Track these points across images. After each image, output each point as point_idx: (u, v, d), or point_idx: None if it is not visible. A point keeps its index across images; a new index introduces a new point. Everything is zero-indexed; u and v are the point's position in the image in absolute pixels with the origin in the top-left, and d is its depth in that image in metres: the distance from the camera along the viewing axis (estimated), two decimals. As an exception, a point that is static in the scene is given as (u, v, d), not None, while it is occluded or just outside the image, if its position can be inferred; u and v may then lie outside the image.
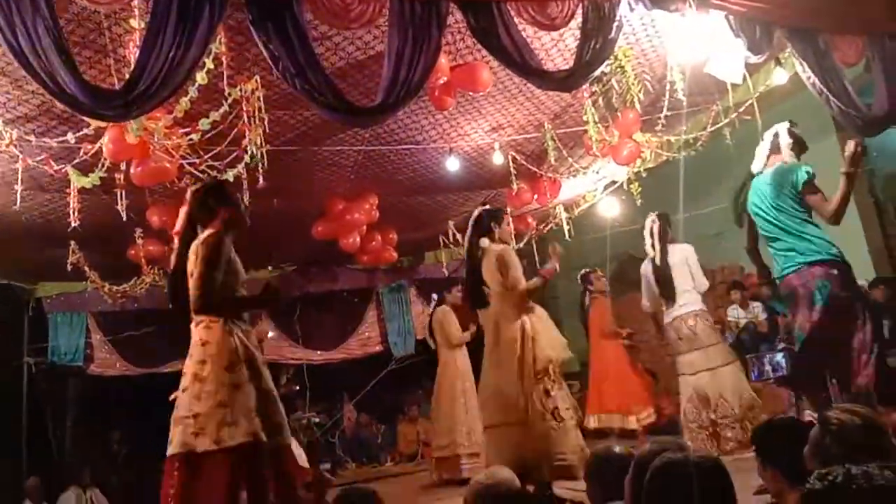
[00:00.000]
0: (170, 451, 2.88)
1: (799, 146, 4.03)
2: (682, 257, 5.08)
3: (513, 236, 4.64)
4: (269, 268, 8.66)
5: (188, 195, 3.31)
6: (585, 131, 5.44)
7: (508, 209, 7.30)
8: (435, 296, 6.47)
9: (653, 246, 5.19)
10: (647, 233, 5.23)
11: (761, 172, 4.11)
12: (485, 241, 4.34)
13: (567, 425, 3.90)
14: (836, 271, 3.72)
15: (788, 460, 2.02)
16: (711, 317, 5.26)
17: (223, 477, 2.79)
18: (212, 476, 2.79)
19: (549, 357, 4.00)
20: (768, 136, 4.12)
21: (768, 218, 3.97)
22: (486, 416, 4.21)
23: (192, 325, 3.07)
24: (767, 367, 6.04)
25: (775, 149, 4.08)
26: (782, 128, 4.12)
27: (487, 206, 4.72)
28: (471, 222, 4.47)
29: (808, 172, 3.85)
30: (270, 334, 9.05)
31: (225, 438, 2.83)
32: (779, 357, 6.03)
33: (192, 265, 3.07)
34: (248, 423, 2.85)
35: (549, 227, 7.87)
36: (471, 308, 4.53)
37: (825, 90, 4.56)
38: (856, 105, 4.65)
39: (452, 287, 6.48)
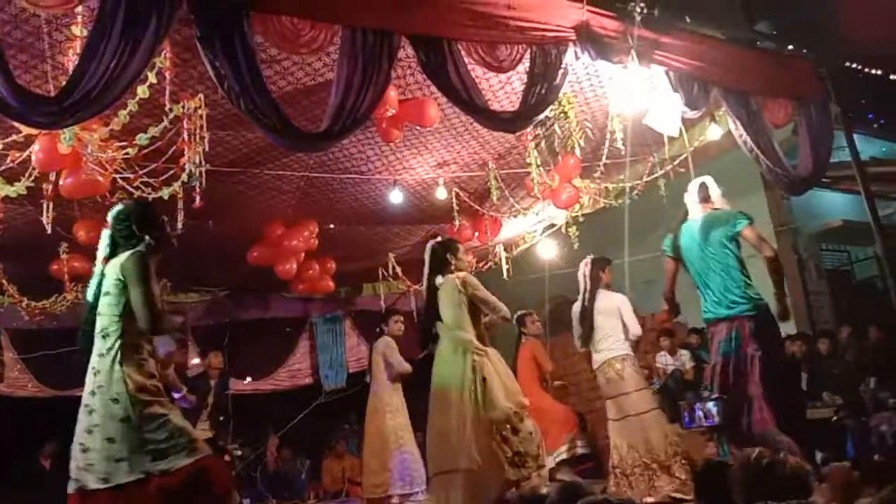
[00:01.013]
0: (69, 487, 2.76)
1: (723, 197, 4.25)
2: (614, 305, 5.16)
3: (472, 265, 4.58)
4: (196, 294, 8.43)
5: (109, 217, 3.18)
6: (528, 173, 5.56)
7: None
8: (380, 327, 6.30)
9: (585, 288, 5.29)
10: (580, 274, 5.34)
11: (687, 219, 4.28)
12: (440, 278, 4.26)
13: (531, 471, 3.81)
14: (752, 323, 3.87)
15: (723, 500, 2.11)
16: (640, 362, 5.37)
17: None
18: None
19: (504, 409, 3.87)
20: (693, 188, 4.31)
21: (697, 261, 4.12)
22: (433, 462, 4.05)
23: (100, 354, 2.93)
24: (699, 415, 6.19)
25: (704, 198, 4.26)
26: (709, 179, 4.32)
27: (439, 238, 4.67)
28: (426, 257, 4.39)
29: (747, 217, 4.06)
30: (195, 361, 8.75)
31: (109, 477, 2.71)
32: (710, 405, 6.18)
33: (113, 287, 2.94)
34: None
35: (488, 265, 7.94)
36: (422, 345, 4.42)
37: (756, 148, 4.82)
38: (783, 165, 4.92)
39: (392, 316, 6.33)
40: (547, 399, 6.42)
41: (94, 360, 2.90)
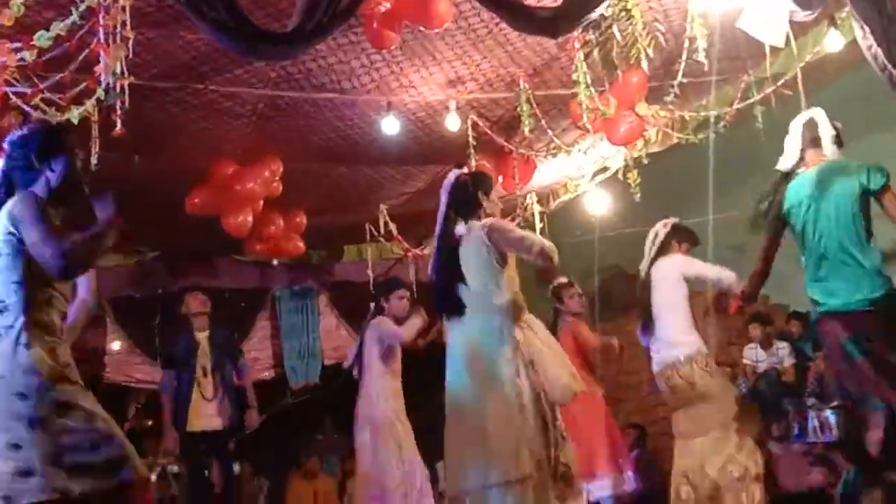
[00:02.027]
0: None
1: (839, 140, 4.21)
2: (672, 276, 5.16)
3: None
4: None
5: (5, 142, 3.20)
6: (574, 95, 5.52)
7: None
8: (376, 304, 6.25)
9: (647, 253, 5.32)
10: (648, 239, 5.35)
11: (795, 172, 4.26)
12: (462, 226, 4.15)
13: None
14: (883, 313, 3.88)
15: None
16: (721, 356, 5.39)
17: None
18: None
19: (568, 388, 3.95)
20: (797, 126, 4.28)
21: (813, 236, 4.11)
22: (470, 477, 3.96)
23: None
24: (813, 426, 6.23)
25: (813, 142, 4.23)
26: (820, 114, 4.27)
27: (466, 169, 4.59)
28: (447, 194, 4.27)
29: (884, 174, 4.02)
30: (116, 346, 8.88)
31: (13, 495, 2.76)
32: (829, 414, 6.21)
33: (4, 245, 2.96)
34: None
35: (515, 221, 7.96)
36: (439, 311, 4.40)
37: (890, 66, 4.76)
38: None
39: (396, 290, 6.17)
40: (598, 399, 6.46)
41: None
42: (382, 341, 5.95)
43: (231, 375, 6.71)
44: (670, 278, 5.16)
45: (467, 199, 4.22)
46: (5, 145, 3.20)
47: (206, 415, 6.49)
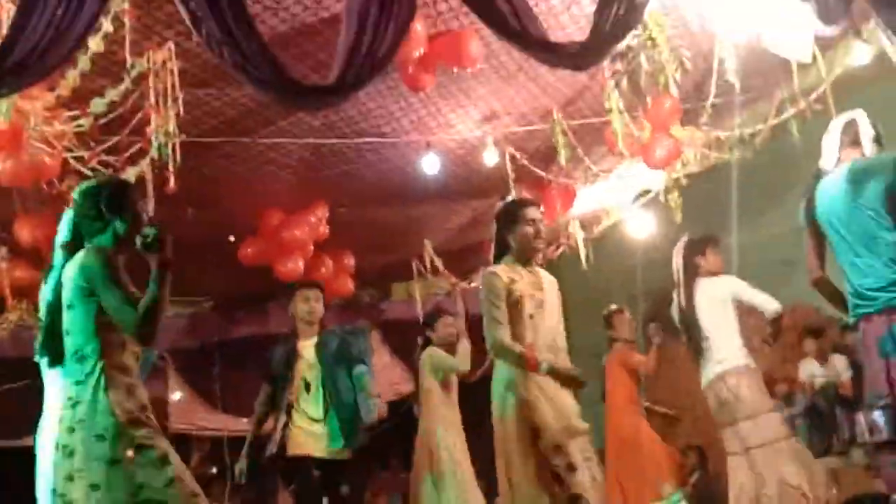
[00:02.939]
0: None
1: (880, 142, 4.19)
2: (720, 296, 5.16)
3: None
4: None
5: (74, 193, 3.35)
6: (607, 123, 5.60)
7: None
8: (424, 336, 6.21)
9: (679, 282, 5.29)
10: (673, 265, 5.36)
11: (825, 172, 4.25)
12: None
13: None
14: None
15: None
16: (778, 373, 5.36)
17: None
18: None
19: (554, 433, 3.78)
20: (837, 127, 4.26)
21: (843, 228, 4.10)
22: None
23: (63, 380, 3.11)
24: (861, 427, 6.14)
25: (851, 142, 4.21)
26: (861, 115, 4.26)
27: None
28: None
29: None
30: (177, 395, 9.04)
31: None
32: (876, 414, 6.12)
33: (77, 297, 3.11)
34: None
35: (559, 249, 8.01)
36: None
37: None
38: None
39: (440, 318, 6.07)
40: (644, 429, 6.47)
41: (69, 390, 3.06)
42: (437, 372, 5.90)
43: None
44: (719, 298, 5.15)
45: (497, 237, 4.15)
46: (74, 196, 3.36)
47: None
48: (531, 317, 3.89)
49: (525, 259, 4.02)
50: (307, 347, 5.43)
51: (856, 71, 5.56)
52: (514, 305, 3.86)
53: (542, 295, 3.97)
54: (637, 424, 6.44)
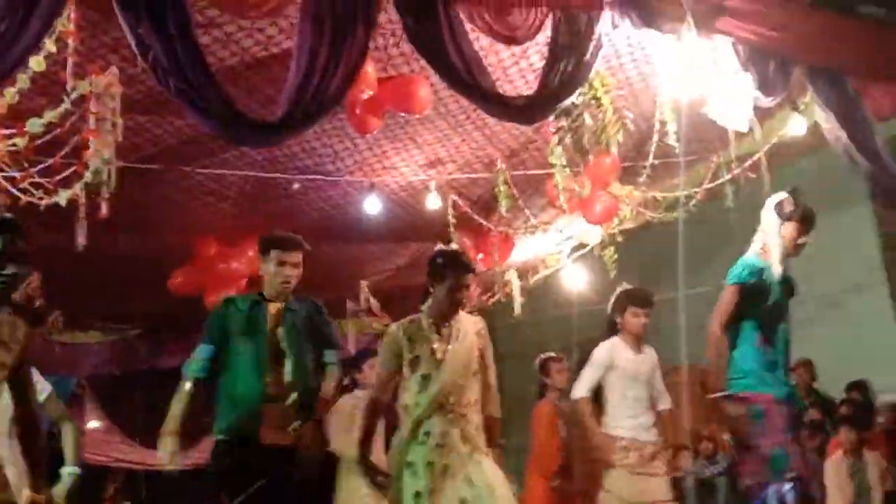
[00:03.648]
0: None
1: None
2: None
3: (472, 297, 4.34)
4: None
5: None
6: (549, 176, 5.66)
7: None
8: (351, 377, 6.22)
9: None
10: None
11: None
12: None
13: None
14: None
15: None
16: (704, 431, 5.37)
17: None
18: None
19: None
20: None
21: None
22: None
23: None
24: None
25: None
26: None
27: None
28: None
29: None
30: (94, 425, 8.79)
31: None
32: (786, 489, 6.26)
33: None
34: None
35: (495, 297, 8.02)
36: None
37: (853, 148, 4.93)
38: (889, 169, 5.03)
39: (368, 360, 6.14)
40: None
41: None
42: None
43: None
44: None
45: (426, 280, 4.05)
46: None
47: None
48: (423, 377, 3.80)
49: (441, 316, 3.89)
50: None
51: (791, 141, 5.72)
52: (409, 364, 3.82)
53: (446, 349, 3.86)
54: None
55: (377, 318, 8.32)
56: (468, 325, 3.96)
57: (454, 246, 4.20)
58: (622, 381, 5.02)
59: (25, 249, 2.91)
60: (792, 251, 4.22)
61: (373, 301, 8.02)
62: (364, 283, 7.93)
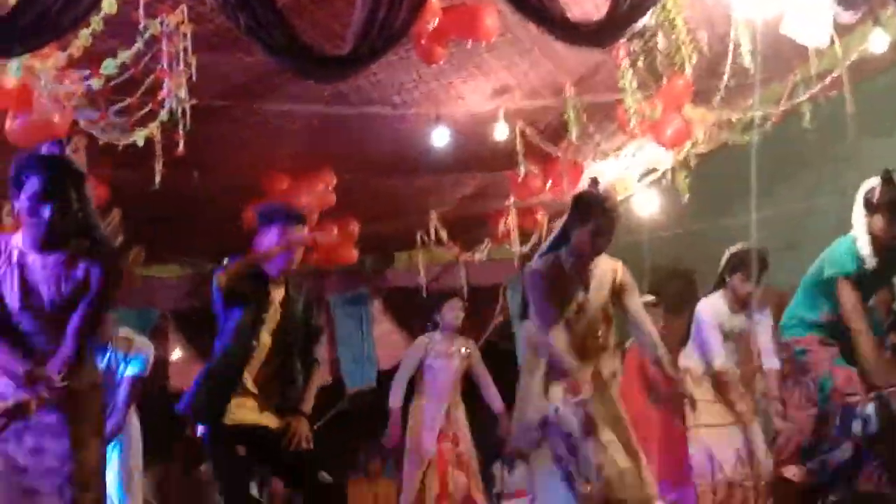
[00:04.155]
0: None
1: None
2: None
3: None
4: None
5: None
6: (620, 101, 5.58)
7: (512, 199, 7.44)
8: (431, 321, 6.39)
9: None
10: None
11: None
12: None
13: None
14: None
15: None
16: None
17: None
18: None
19: None
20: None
21: None
22: None
23: None
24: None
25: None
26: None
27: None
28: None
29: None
30: (178, 354, 9.09)
31: None
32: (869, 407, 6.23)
33: None
34: None
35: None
36: None
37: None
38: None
39: (448, 301, 6.37)
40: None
41: None
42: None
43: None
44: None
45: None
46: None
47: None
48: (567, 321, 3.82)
49: (580, 260, 3.88)
50: None
51: (872, 57, 5.53)
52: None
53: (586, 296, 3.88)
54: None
55: (446, 248, 8.40)
56: (606, 270, 3.96)
57: (600, 188, 4.07)
58: None
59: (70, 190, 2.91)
60: (888, 242, 3.98)
61: (442, 231, 8.07)
62: (433, 214, 7.95)
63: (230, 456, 3.87)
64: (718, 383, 5.22)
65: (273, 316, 3.94)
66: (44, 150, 2.94)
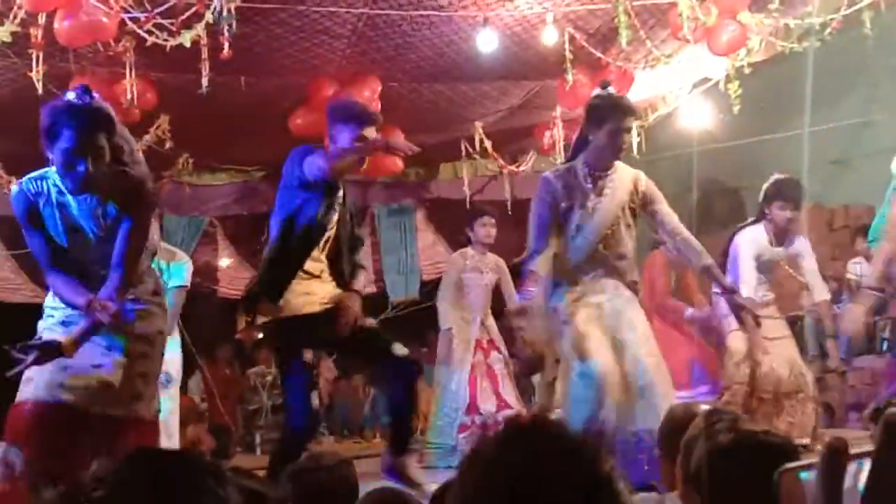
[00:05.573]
0: None
1: None
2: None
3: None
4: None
5: None
6: (673, 5, 5.44)
7: (558, 109, 7.36)
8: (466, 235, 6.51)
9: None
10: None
11: None
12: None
13: None
14: None
15: None
16: (831, 272, 5.40)
17: None
18: None
19: None
20: None
21: None
22: None
23: None
24: None
25: None
26: None
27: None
28: None
29: None
30: (226, 262, 9.26)
31: None
32: None
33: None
34: None
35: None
36: None
37: None
38: None
39: (479, 216, 6.42)
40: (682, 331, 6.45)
41: None
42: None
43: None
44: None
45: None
46: None
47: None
48: (577, 228, 3.85)
49: (600, 164, 3.87)
50: None
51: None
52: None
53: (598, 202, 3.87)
54: (669, 319, 6.47)
55: (491, 159, 8.37)
56: (625, 180, 3.92)
57: (610, 90, 4.03)
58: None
59: (104, 146, 2.89)
60: None
61: (486, 142, 8.03)
62: (478, 124, 7.90)
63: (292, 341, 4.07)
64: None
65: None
66: (73, 97, 2.93)
